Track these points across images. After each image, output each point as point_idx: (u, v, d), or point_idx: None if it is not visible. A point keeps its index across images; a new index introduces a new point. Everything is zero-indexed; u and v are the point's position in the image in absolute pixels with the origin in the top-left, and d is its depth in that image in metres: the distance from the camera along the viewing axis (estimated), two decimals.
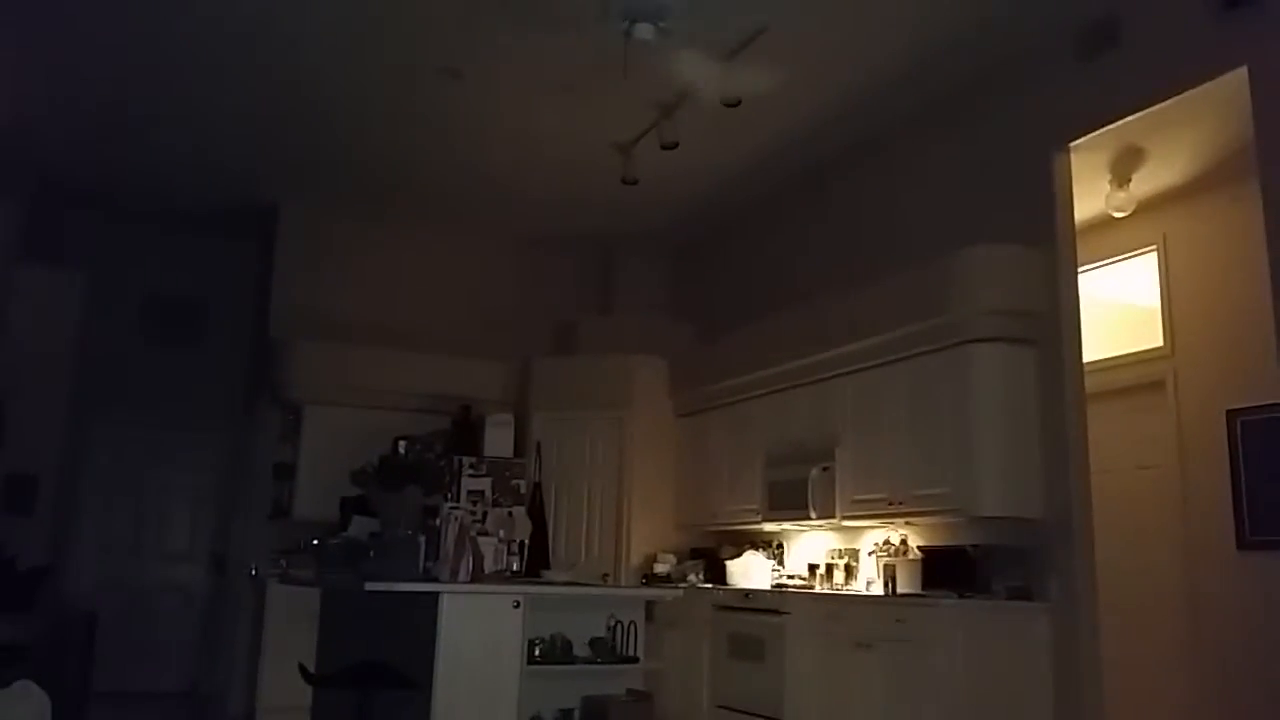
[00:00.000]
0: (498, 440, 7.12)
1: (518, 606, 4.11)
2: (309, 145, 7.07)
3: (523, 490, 6.82)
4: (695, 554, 7.23)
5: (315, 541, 6.11)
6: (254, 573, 7.25)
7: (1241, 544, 5.31)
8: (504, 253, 8.65)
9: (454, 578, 4.24)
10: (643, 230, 8.46)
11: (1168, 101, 4.68)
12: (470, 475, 6.86)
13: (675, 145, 6.10)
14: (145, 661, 7.99)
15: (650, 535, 7.45)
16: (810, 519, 6.11)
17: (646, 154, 6.52)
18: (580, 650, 4.45)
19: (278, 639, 6.65)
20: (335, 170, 7.49)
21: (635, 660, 4.54)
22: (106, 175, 7.66)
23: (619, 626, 4.55)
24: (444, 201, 8.04)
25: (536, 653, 4.28)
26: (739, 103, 5.54)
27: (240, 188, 7.86)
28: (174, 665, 8.19)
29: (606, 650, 4.47)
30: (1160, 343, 5.95)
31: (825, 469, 6.01)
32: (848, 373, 5.98)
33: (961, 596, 4.98)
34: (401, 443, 6.59)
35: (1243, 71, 4.30)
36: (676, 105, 5.97)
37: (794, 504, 6.19)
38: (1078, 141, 5.12)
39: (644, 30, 4.17)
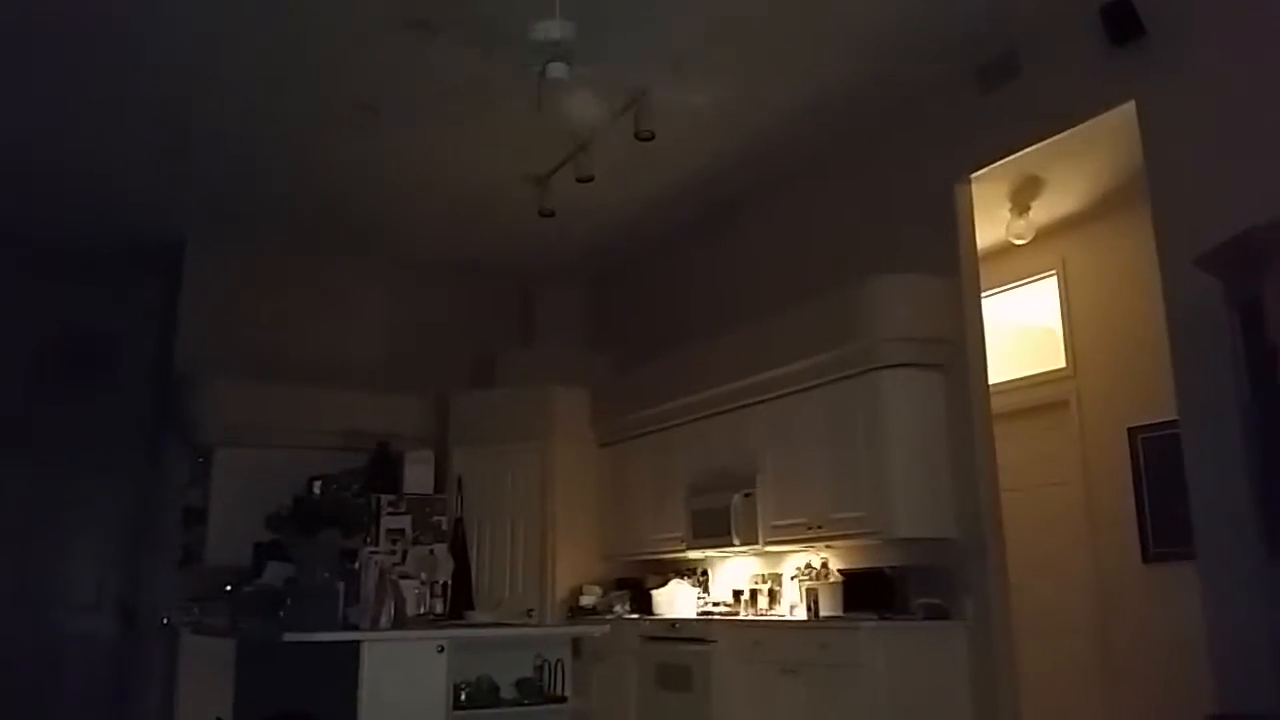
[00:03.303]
0: (417, 477, 7.02)
1: (442, 651, 4.06)
2: (218, 179, 6.90)
3: (444, 527, 6.75)
4: (621, 584, 7.22)
5: (229, 588, 5.95)
6: (165, 622, 7.01)
7: (1146, 558, 5.52)
8: (421, 286, 8.54)
9: (375, 625, 4.17)
10: (560, 262, 8.46)
11: (1063, 134, 4.88)
12: (390, 514, 6.76)
13: (591, 178, 6.13)
14: (53, 718, 7.64)
15: (575, 567, 7.41)
16: (734, 545, 6.16)
17: (563, 186, 6.53)
18: (507, 692, 4.41)
19: (192, 691, 6.42)
20: (246, 204, 7.32)
21: (563, 699, 4.51)
22: None
23: (546, 665, 4.52)
24: (359, 235, 7.93)
25: (462, 697, 4.23)
26: (652, 136, 5.59)
27: (143, 222, 7.61)
28: None
29: (534, 690, 4.44)
30: (1063, 364, 6.17)
31: (747, 495, 6.07)
32: (765, 400, 6.06)
33: (881, 618, 5.06)
34: (317, 483, 6.45)
35: (1131, 106, 4.51)
36: (592, 139, 6.01)
37: (717, 531, 6.24)
38: (979, 173, 5.30)
39: (557, 70, 4.18)
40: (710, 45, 5.18)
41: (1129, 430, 5.69)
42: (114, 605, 8.24)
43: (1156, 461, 5.47)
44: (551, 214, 6.73)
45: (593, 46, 4.45)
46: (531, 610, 7.08)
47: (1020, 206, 5.89)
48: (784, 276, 6.57)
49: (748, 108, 5.88)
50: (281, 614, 4.58)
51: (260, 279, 7.96)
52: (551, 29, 4.06)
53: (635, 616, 6.74)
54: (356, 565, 4.65)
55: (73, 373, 8.29)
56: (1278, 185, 3.72)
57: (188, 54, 5.27)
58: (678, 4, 4.83)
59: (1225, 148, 4.10)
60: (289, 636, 3.97)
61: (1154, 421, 5.42)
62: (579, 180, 6.18)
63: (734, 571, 6.61)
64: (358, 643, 3.98)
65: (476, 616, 4.91)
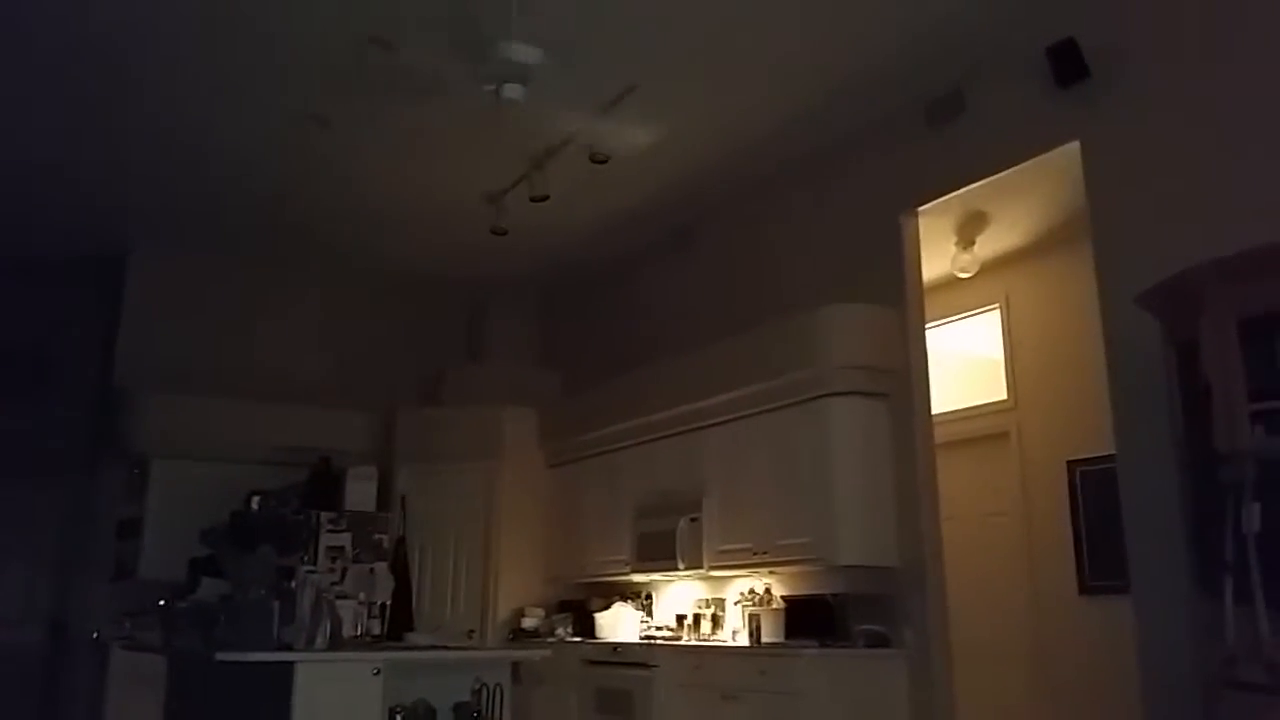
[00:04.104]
0: (359, 494, 6.87)
1: (378, 674, 3.99)
2: (162, 190, 6.80)
3: (385, 545, 6.64)
4: (564, 606, 7.17)
5: (162, 603, 5.81)
6: (96, 637, 6.82)
7: (1083, 589, 5.60)
8: (370, 300, 8.45)
9: (310, 645, 4.09)
10: (513, 279, 8.44)
11: (1008, 171, 4.97)
12: (330, 531, 6.64)
13: (545, 198, 6.13)
14: None
15: (518, 589, 7.34)
16: (678, 569, 6.15)
17: (517, 205, 6.52)
18: (444, 716, 4.33)
19: (121, 708, 6.25)
20: (190, 215, 7.22)
21: None
22: None
23: (485, 689, 4.46)
24: (305, 247, 7.84)
25: None
26: (607, 160, 5.62)
27: (83, 232, 7.46)
28: None
29: (470, 716, 4.37)
30: (1004, 396, 6.26)
31: (693, 519, 6.07)
32: (713, 424, 6.07)
33: (823, 645, 5.08)
34: (255, 498, 6.32)
35: (1075, 145, 4.61)
36: (547, 158, 6.00)
37: (662, 554, 6.22)
38: (925, 206, 5.37)
39: (512, 90, 4.19)
40: (667, 71, 5.21)
41: (1068, 463, 5.78)
42: (43, 619, 7.99)
43: (1094, 494, 5.56)
44: (504, 233, 6.72)
45: (549, 71, 4.47)
46: (472, 631, 7.01)
47: (965, 241, 5.99)
48: (733, 302, 6.61)
49: (700, 138, 5.92)
50: (215, 632, 4.48)
51: (203, 291, 7.83)
52: (523, 53, 4.07)
53: (578, 640, 6.69)
54: (293, 584, 4.56)
55: (5, 383, 8.05)
56: (1215, 226, 3.81)
57: (137, 59, 5.18)
58: (631, 34, 4.85)
59: (1166, 189, 4.20)
60: (222, 656, 3.89)
61: (1093, 455, 5.51)
62: (533, 199, 6.18)
63: (678, 595, 6.60)
64: (292, 663, 3.90)
65: (415, 638, 4.84)
